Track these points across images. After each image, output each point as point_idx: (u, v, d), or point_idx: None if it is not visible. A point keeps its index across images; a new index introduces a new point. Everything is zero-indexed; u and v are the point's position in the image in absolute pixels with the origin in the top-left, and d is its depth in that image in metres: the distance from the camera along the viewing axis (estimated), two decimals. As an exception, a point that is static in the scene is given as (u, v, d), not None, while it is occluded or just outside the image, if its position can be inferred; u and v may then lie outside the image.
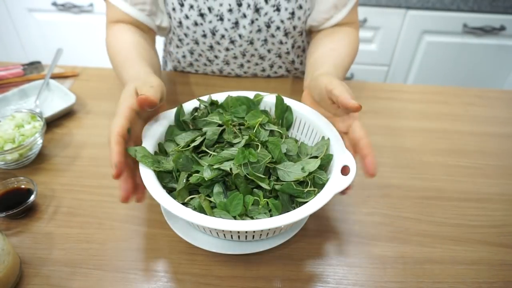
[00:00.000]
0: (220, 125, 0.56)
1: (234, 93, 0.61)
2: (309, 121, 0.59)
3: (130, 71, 0.63)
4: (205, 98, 0.61)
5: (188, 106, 0.60)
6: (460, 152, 0.74)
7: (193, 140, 0.54)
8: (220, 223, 0.44)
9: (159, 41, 0.88)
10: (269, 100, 0.61)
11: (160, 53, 0.94)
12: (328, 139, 0.54)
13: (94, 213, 0.60)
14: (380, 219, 0.61)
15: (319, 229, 0.59)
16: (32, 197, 0.58)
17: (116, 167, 0.47)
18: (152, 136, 0.54)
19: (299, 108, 0.60)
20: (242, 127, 0.56)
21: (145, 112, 0.55)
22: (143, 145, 0.53)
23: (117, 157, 0.47)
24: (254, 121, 0.56)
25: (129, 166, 0.50)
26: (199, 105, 0.60)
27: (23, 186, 0.61)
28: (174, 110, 0.58)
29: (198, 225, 0.48)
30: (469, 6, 1.45)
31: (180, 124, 0.58)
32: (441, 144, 0.76)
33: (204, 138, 0.55)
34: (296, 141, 0.59)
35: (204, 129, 0.56)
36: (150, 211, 0.60)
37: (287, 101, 0.61)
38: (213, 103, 0.61)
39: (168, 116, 0.58)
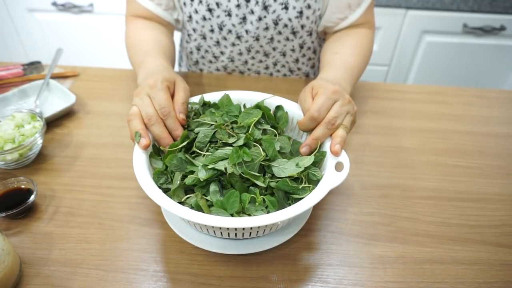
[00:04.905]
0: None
1: (233, 94, 0.61)
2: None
3: (158, 61, 0.67)
4: (196, 98, 0.61)
5: None
6: (460, 152, 0.74)
7: (183, 141, 0.54)
8: (219, 220, 0.44)
9: (177, 36, 0.90)
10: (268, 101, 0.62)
11: (177, 48, 0.98)
12: None
13: (94, 213, 0.60)
14: (380, 219, 0.61)
15: (319, 229, 0.59)
16: (32, 197, 0.58)
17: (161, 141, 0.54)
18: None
19: (292, 107, 0.61)
20: (234, 125, 0.56)
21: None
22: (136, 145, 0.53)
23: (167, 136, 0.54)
24: (249, 120, 0.56)
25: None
26: (191, 107, 0.61)
27: (23, 186, 0.61)
28: None
29: (196, 224, 0.48)
30: (469, 6, 1.45)
31: None
32: (440, 144, 0.76)
33: (194, 139, 0.55)
34: (289, 138, 0.59)
35: (197, 129, 0.56)
36: (150, 211, 0.60)
37: (281, 100, 0.62)
38: (205, 104, 0.61)
39: None
